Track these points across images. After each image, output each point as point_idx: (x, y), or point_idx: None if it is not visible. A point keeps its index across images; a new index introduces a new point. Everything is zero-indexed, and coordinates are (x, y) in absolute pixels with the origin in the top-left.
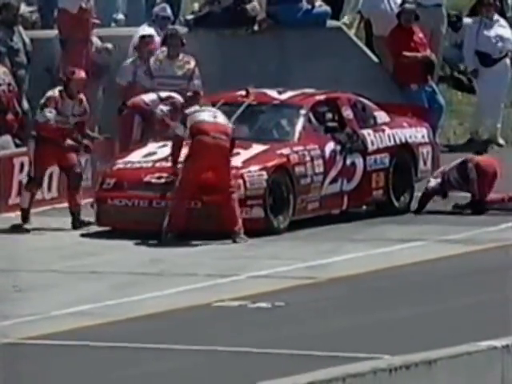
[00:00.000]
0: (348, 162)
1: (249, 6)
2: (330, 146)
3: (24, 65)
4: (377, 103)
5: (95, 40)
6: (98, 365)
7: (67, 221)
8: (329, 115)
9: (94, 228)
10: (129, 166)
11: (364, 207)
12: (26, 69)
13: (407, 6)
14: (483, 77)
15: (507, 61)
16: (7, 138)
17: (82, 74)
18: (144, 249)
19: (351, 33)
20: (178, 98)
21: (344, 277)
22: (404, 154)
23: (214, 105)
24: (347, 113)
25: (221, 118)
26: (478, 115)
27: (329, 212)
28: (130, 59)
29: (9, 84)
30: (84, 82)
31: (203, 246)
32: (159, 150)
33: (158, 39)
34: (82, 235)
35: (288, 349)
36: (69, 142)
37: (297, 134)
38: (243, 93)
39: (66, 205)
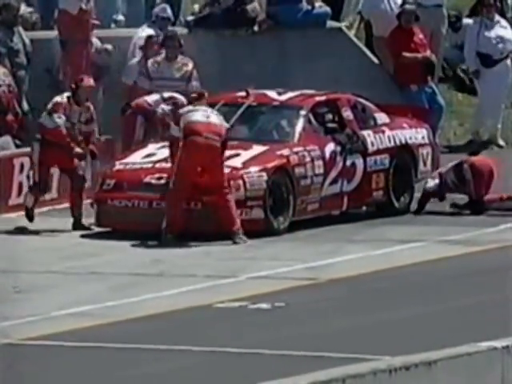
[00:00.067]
0: (348, 162)
1: (249, 7)
2: (330, 147)
3: (24, 65)
4: (377, 104)
5: (95, 41)
6: (98, 365)
7: (67, 221)
8: (329, 116)
9: (94, 229)
10: (129, 166)
11: (364, 208)
12: (26, 69)
13: (407, 6)
14: (484, 77)
15: (508, 62)
16: (7, 138)
17: (91, 81)
18: (144, 250)
19: (351, 33)
20: (181, 98)
21: (344, 277)
22: (404, 154)
23: (213, 106)
24: (347, 114)
25: (214, 118)
26: (479, 116)
27: (329, 213)
28: (136, 59)
29: (9, 85)
30: (92, 89)
31: (203, 246)
32: (159, 151)
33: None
34: (82, 236)
35: (288, 349)
36: (77, 150)
37: (297, 135)
38: (243, 94)
39: (66, 205)
